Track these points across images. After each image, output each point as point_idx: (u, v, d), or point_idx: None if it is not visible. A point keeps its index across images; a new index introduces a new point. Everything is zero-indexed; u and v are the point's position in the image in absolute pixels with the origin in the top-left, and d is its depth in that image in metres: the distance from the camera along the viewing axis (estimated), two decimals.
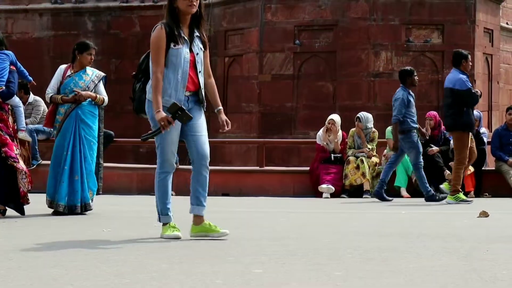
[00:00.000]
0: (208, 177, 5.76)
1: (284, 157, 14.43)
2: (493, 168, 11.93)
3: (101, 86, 8.03)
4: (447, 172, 11.33)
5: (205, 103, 5.72)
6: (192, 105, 5.65)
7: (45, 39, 17.59)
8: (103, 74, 8.17)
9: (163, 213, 5.79)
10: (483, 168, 11.78)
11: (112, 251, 5.26)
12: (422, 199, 10.88)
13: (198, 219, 5.77)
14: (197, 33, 5.65)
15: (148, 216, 8.02)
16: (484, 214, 7.77)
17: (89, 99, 7.88)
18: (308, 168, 12.13)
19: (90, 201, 7.90)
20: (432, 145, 11.66)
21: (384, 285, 4.04)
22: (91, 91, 7.91)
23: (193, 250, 5.34)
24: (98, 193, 8.42)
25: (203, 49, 5.69)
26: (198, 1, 5.61)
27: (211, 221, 5.82)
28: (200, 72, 5.64)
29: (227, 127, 5.67)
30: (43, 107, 12.07)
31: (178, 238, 5.71)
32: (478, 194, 11.44)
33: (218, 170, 12.30)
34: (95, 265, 4.69)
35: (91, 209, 7.93)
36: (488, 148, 11.94)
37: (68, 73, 7.95)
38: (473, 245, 5.54)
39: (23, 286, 3.97)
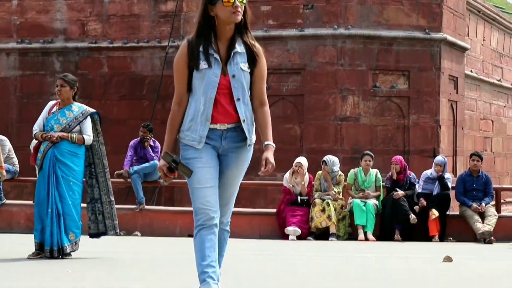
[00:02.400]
0: (226, 242, 4.46)
1: (251, 198, 14.43)
2: (457, 213, 12.02)
3: (87, 124, 7.62)
4: (412, 216, 11.40)
5: (251, 141, 4.35)
6: (231, 143, 4.33)
7: (11, 78, 17.50)
8: (92, 110, 7.76)
9: (201, 279, 4.25)
10: (447, 213, 11.87)
11: None
12: (390, 242, 10.93)
13: None
14: (237, 49, 4.29)
15: (111, 257, 7.94)
16: (448, 259, 7.81)
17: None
18: (275, 210, 12.13)
19: (71, 244, 7.48)
20: (397, 189, 11.74)
21: None
22: (72, 129, 7.55)
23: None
24: (115, 232, 7.88)
25: (247, 69, 4.31)
26: (244, 6, 4.29)
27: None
28: (238, 100, 4.27)
29: (264, 168, 4.31)
30: (8, 146, 11.97)
31: None
32: (442, 239, 11.51)
33: (183, 211, 12.25)
34: None
35: (68, 252, 7.47)
36: (452, 193, 12.05)
37: (54, 109, 7.66)
38: None
39: None
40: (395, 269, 7.13)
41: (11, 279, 5.90)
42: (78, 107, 7.71)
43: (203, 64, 4.22)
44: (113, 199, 7.81)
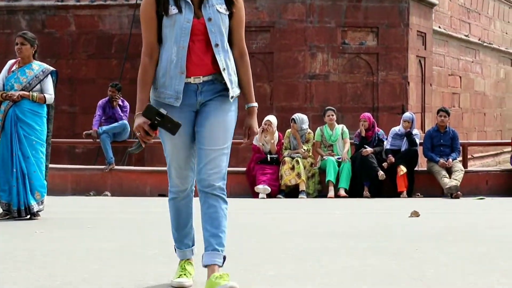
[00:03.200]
0: (222, 210, 3.84)
1: None
2: (425, 169, 12.16)
3: (48, 83, 7.54)
4: (381, 172, 11.51)
5: (235, 93, 3.83)
6: (209, 96, 3.79)
7: None
8: (51, 69, 7.65)
9: (176, 247, 4.12)
10: (415, 169, 11.99)
11: (44, 253, 5.20)
12: (358, 198, 11.05)
13: (210, 270, 3.79)
14: None
15: (81, 217, 7.96)
16: (415, 214, 7.92)
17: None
18: (244, 169, 12.18)
19: (37, 203, 7.48)
20: (366, 146, 11.82)
21: (316, 285, 4.10)
22: (33, 88, 7.47)
23: (125, 251, 5.32)
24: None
25: (225, 11, 3.80)
26: None
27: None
28: (217, 46, 3.74)
29: (247, 139, 3.93)
30: None
31: (183, 287, 3.93)
32: (410, 194, 11.65)
33: (153, 171, 12.26)
34: (26, 267, 4.64)
35: (34, 211, 7.44)
36: (420, 149, 12.17)
37: (13, 68, 7.55)
38: (403, 244, 5.66)
39: None
40: (363, 225, 7.22)
41: None
42: (38, 66, 7.62)
43: (172, 9, 3.71)
44: (48, 164, 7.73)
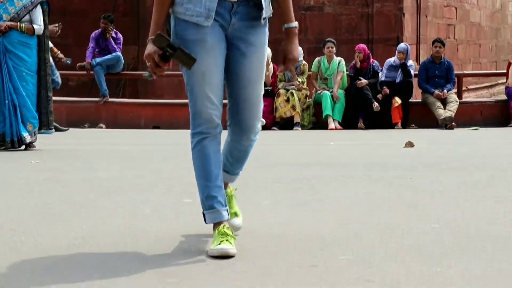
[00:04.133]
0: (250, 150, 3.45)
1: None
2: (420, 100, 12.15)
3: (37, 13, 7.42)
4: (376, 104, 11.50)
5: (267, 13, 3.24)
6: (244, 20, 3.19)
7: None
8: None
9: (206, 206, 3.21)
10: (410, 100, 11.98)
11: (39, 182, 5.22)
12: (353, 130, 11.08)
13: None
14: None
15: (76, 148, 7.98)
16: (410, 145, 7.94)
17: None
18: None
19: (29, 134, 7.45)
20: (361, 78, 11.78)
21: (311, 212, 4.13)
22: (21, 18, 7.36)
23: (120, 181, 5.34)
24: (49, 128, 7.69)
25: None
26: None
27: None
28: None
29: (284, 66, 3.30)
30: None
31: (226, 255, 3.06)
32: (405, 126, 11.67)
33: (148, 103, 12.24)
34: (22, 195, 4.66)
35: (27, 142, 7.42)
36: (415, 81, 12.13)
37: None
38: (398, 174, 5.69)
39: None
40: (357, 156, 7.25)
41: None
42: None
43: None
44: (51, 95, 7.69)
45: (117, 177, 5.52)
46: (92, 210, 4.17)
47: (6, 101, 7.39)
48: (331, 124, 11.50)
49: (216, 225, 3.17)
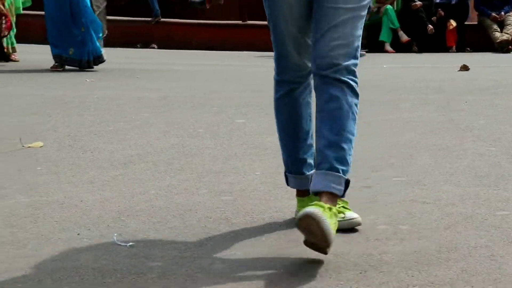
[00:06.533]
0: (349, 105, 2.41)
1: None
2: (476, 23, 11.89)
3: None
4: (430, 27, 11.28)
5: None
6: None
7: None
8: None
9: (292, 170, 2.60)
10: (465, 23, 11.73)
11: (94, 100, 5.29)
12: (407, 54, 10.93)
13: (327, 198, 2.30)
14: None
15: (129, 68, 8.02)
16: (465, 68, 7.82)
17: None
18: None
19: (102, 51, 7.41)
20: (415, 0, 11.54)
21: (361, 135, 4.11)
22: None
23: (174, 101, 5.38)
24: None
25: None
26: None
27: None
28: None
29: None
30: None
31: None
32: (459, 49, 11.46)
33: (200, 24, 12.19)
34: (78, 113, 4.74)
35: (104, 61, 7.44)
36: (471, 2, 11.85)
37: None
38: (452, 97, 5.61)
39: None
40: (410, 79, 7.16)
41: (36, 89, 6.00)
42: None
43: None
44: (105, 15, 7.53)
45: (170, 97, 5.56)
46: (146, 128, 4.22)
47: (83, 20, 7.30)
48: (388, 47, 11.35)
49: (302, 192, 2.57)
